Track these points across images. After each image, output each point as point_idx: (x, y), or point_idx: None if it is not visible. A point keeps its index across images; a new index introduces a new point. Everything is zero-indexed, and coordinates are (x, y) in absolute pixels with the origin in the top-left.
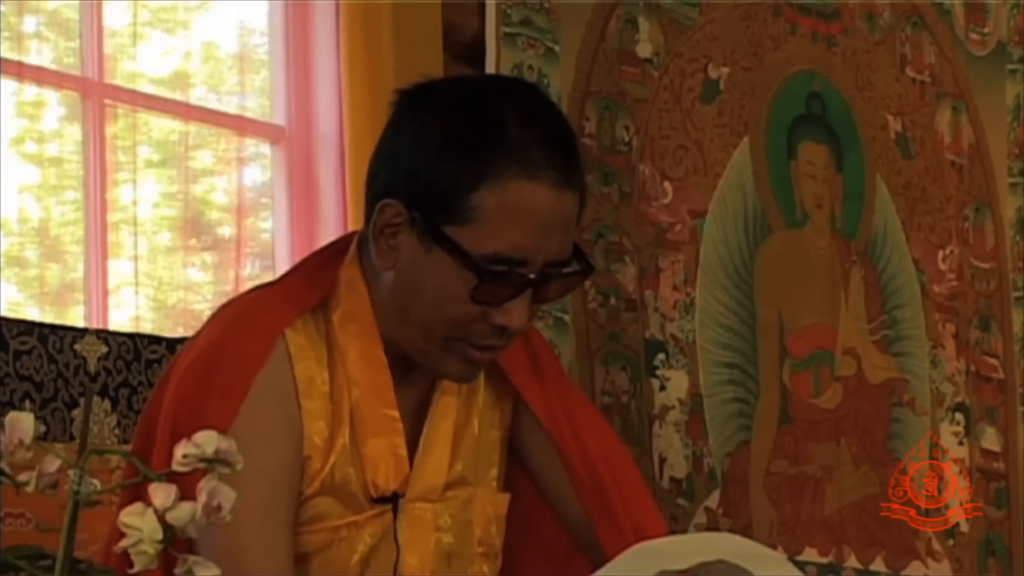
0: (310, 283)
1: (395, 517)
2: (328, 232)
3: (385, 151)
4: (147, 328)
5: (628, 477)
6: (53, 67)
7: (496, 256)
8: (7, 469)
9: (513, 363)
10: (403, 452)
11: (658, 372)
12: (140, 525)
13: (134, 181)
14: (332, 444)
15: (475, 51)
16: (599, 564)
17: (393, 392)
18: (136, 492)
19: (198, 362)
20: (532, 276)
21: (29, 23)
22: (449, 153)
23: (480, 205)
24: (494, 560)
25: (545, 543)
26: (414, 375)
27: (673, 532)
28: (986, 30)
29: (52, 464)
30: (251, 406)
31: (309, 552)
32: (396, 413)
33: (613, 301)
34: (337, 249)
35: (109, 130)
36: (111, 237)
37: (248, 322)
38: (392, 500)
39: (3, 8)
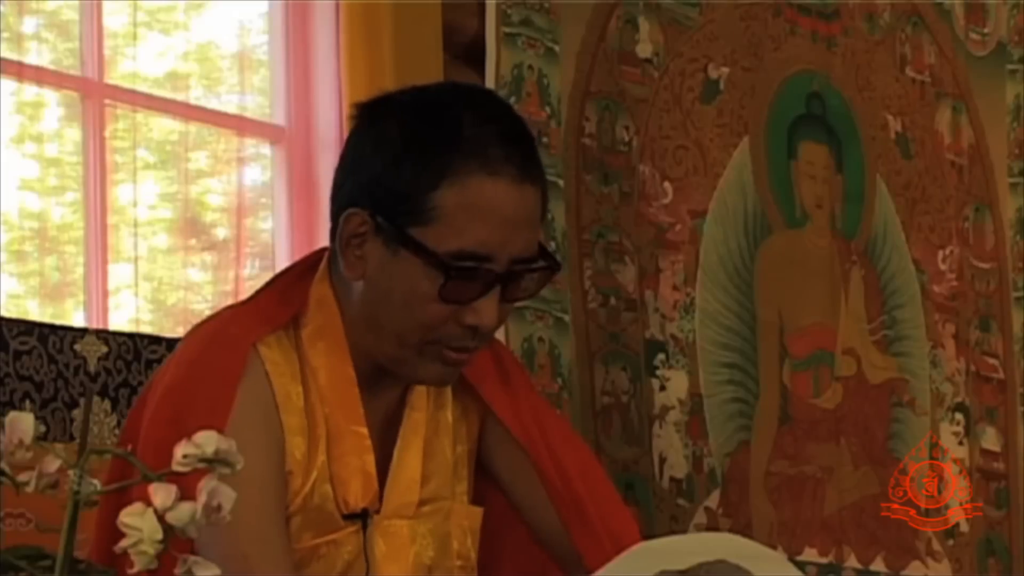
0: (281, 301)
1: (365, 533)
2: (328, 232)
3: (347, 163)
4: (147, 328)
5: (603, 487)
6: (53, 67)
7: (461, 253)
8: (7, 469)
9: (481, 376)
10: (372, 469)
11: (658, 372)
12: (140, 525)
13: (134, 181)
14: (312, 461)
15: (475, 51)
16: (576, 574)
17: (362, 409)
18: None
19: (177, 381)
20: (499, 271)
21: (29, 23)
22: (408, 156)
23: (442, 204)
24: (471, 574)
25: (517, 558)
26: (383, 391)
27: (673, 532)
28: (986, 30)
29: (52, 464)
30: (236, 420)
31: None
32: (365, 430)
33: (613, 301)
34: (307, 267)
35: (108, 130)
36: (110, 237)
37: (222, 338)
38: (362, 517)
39: (3, 8)
